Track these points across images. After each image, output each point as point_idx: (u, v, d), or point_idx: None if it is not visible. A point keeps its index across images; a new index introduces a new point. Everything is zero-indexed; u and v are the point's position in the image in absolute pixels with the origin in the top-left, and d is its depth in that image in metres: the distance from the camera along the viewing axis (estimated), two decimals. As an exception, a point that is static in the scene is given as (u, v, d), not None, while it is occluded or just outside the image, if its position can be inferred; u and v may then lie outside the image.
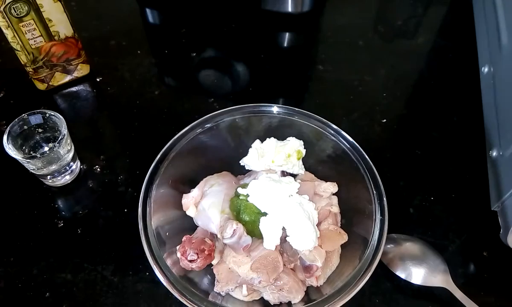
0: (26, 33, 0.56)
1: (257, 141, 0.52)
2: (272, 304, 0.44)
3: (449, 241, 0.51)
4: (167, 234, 0.45)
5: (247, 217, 0.44)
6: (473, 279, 0.49)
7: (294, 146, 0.51)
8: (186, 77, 0.69)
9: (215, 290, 0.44)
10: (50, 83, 0.64)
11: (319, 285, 0.45)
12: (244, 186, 0.46)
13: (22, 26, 0.55)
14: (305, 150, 0.51)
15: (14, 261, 0.49)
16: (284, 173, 0.51)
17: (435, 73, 0.69)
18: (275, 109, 0.52)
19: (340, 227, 0.48)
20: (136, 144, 0.60)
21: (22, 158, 0.49)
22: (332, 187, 0.49)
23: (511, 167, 0.49)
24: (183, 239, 0.45)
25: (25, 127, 0.52)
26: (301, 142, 0.51)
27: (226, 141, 0.52)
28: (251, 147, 0.51)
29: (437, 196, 0.55)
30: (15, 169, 0.53)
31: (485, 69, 0.63)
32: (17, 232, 0.52)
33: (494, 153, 0.54)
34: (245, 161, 0.51)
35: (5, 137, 0.50)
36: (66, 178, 0.55)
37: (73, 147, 0.54)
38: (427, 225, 0.53)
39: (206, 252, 0.44)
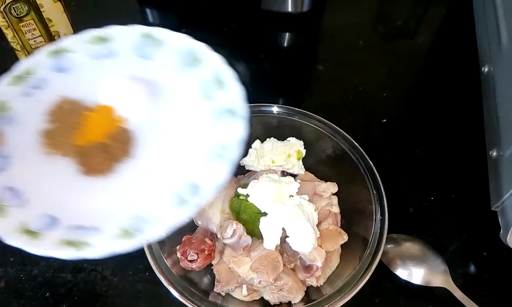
0: (26, 33, 0.56)
1: (257, 141, 0.52)
2: (272, 304, 0.44)
3: (449, 241, 0.51)
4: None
5: (247, 217, 0.44)
6: (473, 279, 0.49)
7: (294, 146, 0.51)
8: (186, 77, 0.69)
9: (215, 290, 0.44)
10: (50, 83, 0.64)
11: (319, 285, 0.45)
12: (244, 186, 0.46)
13: (22, 26, 0.55)
14: (305, 150, 0.51)
15: (14, 261, 0.49)
16: (284, 173, 0.51)
17: (435, 73, 0.69)
18: (275, 109, 0.52)
19: (340, 227, 0.48)
20: (136, 144, 0.60)
21: (22, 158, 0.49)
22: (332, 187, 0.49)
23: (511, 167, 0.49)
24: (183, 239, 0.45)
25: (25, 127, 0.52)
26: (301, 142, 0.52)
27: (226, 141, 0.52)
28: (251, 147, 0.51)
29: (437, 196, 0.55)
30: (15, 169, 0.53)
31: (485, 69, 0.63)
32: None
33: (494, 153, 0.54)
34: (245, 161, 0.51)
35: (5, 137, 0.50)
36: (66, 178, 0.55)
37: None
38: (427, 225, 0.53)
39: (206, 252, 0.44)
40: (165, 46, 0.45)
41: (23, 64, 0.43)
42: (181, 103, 0.43)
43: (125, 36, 0.45)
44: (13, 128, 0.41)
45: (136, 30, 0.45)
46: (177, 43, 0.45)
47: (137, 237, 0.34)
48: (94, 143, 0.41)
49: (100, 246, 0.34)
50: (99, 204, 0.38)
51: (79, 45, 0.45)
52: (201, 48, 0.44)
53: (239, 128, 0.39)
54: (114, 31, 0.45)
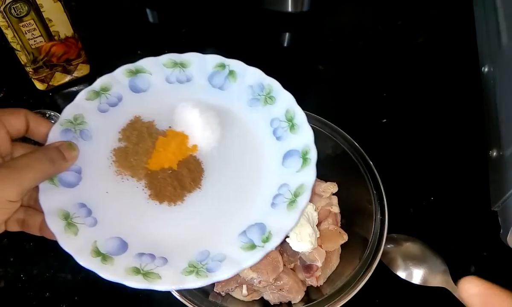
0: (26, 33, 0.56)
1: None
2: (272, 304, 0.44)
3: (449, 241, 0.51)
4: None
5: (247, 217, 0.44)
6: (473, 279, 0.49)
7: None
8: (186, 77, 0.69)
9: (215, 290, 0.44)
10: (50, 83, 0.64)
11: (319, 285, 0.45)
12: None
13: (22, 26, 0.55)
14: (305, 150, 0.51)
15: (14, 261, 0.49)
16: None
17: (435, 73, 0.69)
18: (275, 109, 0.52)
19: (340, 227, 0.48)
20: (136, 144, 0.60)
21: (22, 158, 0.49)
22: (332, 187, 0.49)
23: (511, 167, 0.49)
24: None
25: (25, 127, 0.52)
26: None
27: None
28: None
29: (437, 196, 0.55)
30: (15, 169, 0.53)
31: (485, 69, 0.63)
32: (17, 232, 0.51)
33: (494, 153, 0.54)
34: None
35: (5, 137, 0.50)
36: (66, 178, 0.55)
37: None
38: (427, 225, 0.53)
39: (206, 252, 0.44)
40: (239, 78, 0.45)
41: (101, 80, 0.43)
42: (251, 139, 0.43)
43: (201, 64, 0.45)
44: (86, 143, 0.40)
45: (212, 59, 0.45)
46: (251, 77, 0.45)
47: (207, 277, 0.33)
48: (165, 169, 0.40)
49: (169, 279, 0.33)
50: (168, 233, 0.37)
51: (156, 67, 0.45)
52: (275, 86, 0.44)
53: (310, 174, 0.38)
54: (191, 57, 0.45)
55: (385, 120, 0.63)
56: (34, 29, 0.56)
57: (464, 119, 0.63)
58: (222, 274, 0.33)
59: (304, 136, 0.40)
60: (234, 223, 0.37)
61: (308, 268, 0.44)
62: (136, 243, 0.36)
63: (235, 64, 0.45)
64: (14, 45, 0.56)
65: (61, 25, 0.58)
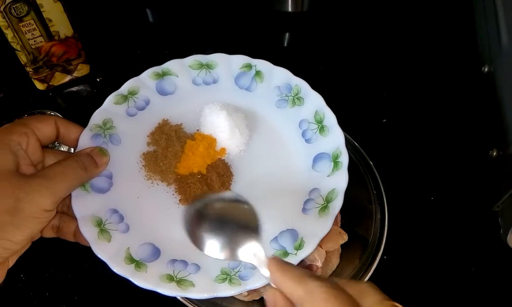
0: (26, 33, 0.56)
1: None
2: (272, 304, 0.44)
3: (450, 241, 0.51)
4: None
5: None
6: (473, 279, 0.49)
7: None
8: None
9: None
10: (50, 83, 0.64)
11: (319, 285, 0.44)
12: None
13: (22, 26, 0.55)
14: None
15: (14, 261, 0.49)
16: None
17: (436, 73, 0.69)
18: (275, 109, 0.52)
19: (340, 227, 0.48)
20: (136, 144, 0.60)
21: (22, 158, 0.49)
22: (332, 187, 0.49)
23: (511, 167, 0.49)
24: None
25: (25, 127, 0.52)
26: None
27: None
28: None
29: (437, 196, 0.55)
30: (15, 169, 0.53)
31: (485, 69, 0.63)
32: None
33: (494, 153, 0.54)
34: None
35: (5, 137, 0.50)
36: (66, 178, 0.55)
37: (73, 147, 0.54)
38: (427, 225, 0.53)
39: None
40: (266, 79, 0.44)
41: (128, 84, 0.43)
42: (280, 141, 0.42)
43: (227, 64, 0.45)
44: (116, 147, 0.40)
45: (238, 60, 0.45)
46: (278, 77, 0.44)
47: (240, 285, 0.33)
48: (194, 173, 0.40)
49: (202, 287, 0.33)
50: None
51: (182, 69, 0.45)
52: (303, 86, 0.43)
53: (342, 179, 0.37)
54: (216, 58, 0.45)
55: (385, 120, 0.63)
56: (34, 29, 0.56)
57: (464, 119, 0.63)
58: (255, 282, 0.33)
59: (334, 138, 0.40)
60: (266, 229, 0.36)
61: (308, 268, 0.44)
62: (168, 250, 0.36)
63: (262, 64, 0.45)
64: (14, 45, 0.56)
65: (61, 25, 0.58)
